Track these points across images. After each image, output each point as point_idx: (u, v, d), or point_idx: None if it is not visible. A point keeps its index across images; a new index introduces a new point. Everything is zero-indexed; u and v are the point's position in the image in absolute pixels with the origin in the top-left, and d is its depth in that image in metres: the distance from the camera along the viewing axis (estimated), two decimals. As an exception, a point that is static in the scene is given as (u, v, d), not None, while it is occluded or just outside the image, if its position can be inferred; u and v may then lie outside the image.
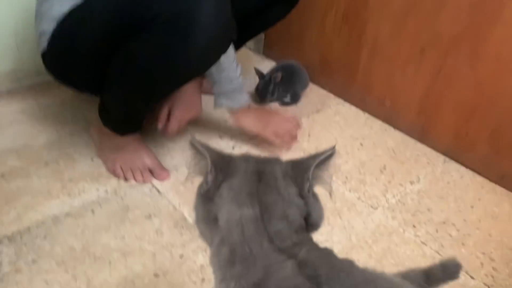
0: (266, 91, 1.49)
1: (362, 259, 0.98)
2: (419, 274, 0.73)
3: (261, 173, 0.55)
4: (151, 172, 1.13)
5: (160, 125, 1.22)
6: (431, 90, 1.34)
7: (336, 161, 0.56)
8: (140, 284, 0.86)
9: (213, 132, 1.35)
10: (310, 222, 0.55)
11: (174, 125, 1.21)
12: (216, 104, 1.21)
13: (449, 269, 0.75)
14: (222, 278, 0.53)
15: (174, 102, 1.23)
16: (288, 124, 1.30)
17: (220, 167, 0.54)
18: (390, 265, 0.98)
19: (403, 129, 1.45)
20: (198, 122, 1.37)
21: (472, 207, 1.18)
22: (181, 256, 0.93)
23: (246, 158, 0.58)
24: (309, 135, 1.39)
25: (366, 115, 1.54)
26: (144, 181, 1.11)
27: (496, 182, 1.27)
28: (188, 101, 1.25)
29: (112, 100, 1.04)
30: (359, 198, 1.16)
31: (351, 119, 1.51)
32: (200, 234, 0.59)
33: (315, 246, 0.55)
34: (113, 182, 1.11)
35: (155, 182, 1.12)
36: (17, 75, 1.41)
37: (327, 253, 0.54)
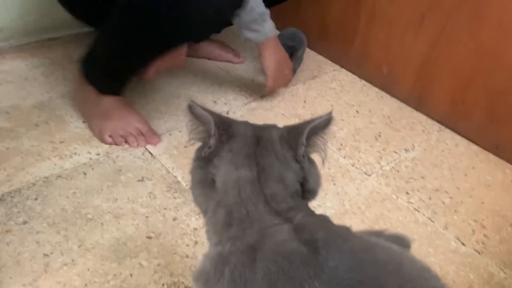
0: None
1: (355, 225, 0.99)
2: (368, 235, 0.75)
3: (259, 137, 0.55)
4: (143, 136, 1.11)
5: (145, 77, 1.19)
6: (429, 57, 1.32)
7: (332, 127, 0.55)
8: (132, 246, 0.86)
9: (207, 96, 1.33)
10: (307, 188, 0.55)
11: (151, 70, 1.16)
12: (242, 35, 1.18)
13: (401, 243, 0.76)
14: (217, 241, 0.52)
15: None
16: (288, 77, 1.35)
17: (223, 131, 0.53)
18: (382, 230, 0.98)
19: (399, 96, 1.44)
20: (191, 86, 1.35)
21: (465, 175, 1.18)
22: (174, 219, 0.93)
23: (245, 123, 0.58)
24: (305, 101, 1.38)
25: (363, 82, 1.52)
26: (138, 146, 1.09)
27: (490, 151, 1.27)
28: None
29: (105, 47, 1.02)
30: (353, 165, 1.16)
31: (348, 86, 1.49)
32: (194, 199, 0.58)
33: (311, 212, 0.54)
34: (105, 145, 1.09)
35: (148, 145, 1.11)
36: (5, 34, 1.36)
37: (324, 219, 0.54)
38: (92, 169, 1.02)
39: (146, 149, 1.10)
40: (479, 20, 1.17)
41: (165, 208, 0.95)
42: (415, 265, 0.49)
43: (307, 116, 1.30)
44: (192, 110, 0.54)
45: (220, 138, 0.53)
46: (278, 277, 0.45)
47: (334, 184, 1.09)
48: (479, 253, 0.97)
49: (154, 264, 0.84)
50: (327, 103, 1.39)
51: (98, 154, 1.06)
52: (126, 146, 1.09)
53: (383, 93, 1.47)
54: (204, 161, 0.54)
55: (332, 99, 1.41)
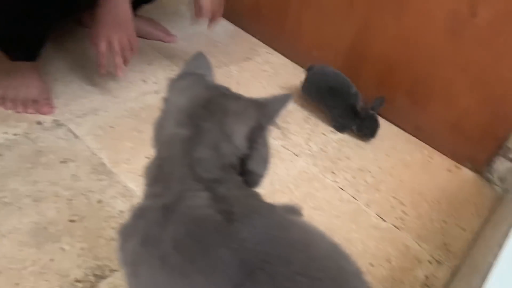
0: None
1: (285, 203, 1.01)
2: None
3: (211, 100, 0.54)
4: (35, 103, 1.05)
5: (102, 70, 1.11)
6: (357, 41, 1.36)
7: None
8: (53, 230, 0.82)
9: (136, 75, 1.29)
10: (248, 168, 0.55)
11: (101, 42, 1.08)
12: None
13: (291, 212, 0.81)
14: (146, 195, 0.54)
15: (109, 28, 1.07)
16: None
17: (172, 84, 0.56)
18: (309, 208, 1.02)
19: (329, 80, 1.48)
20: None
21: (387, 155, 1.25)
22: (99, 201, 0.90)
23: (213, 85, 0.58)
24: (238, 83, 1.37)
25: (295, 65, 1.54)
26: (23, 112, 1.04)
27: (410, 133, 1.34)
28: (122, 21, 1.09)
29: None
30: (283, 146, 1.18)
31: (280, 68, 1.51)
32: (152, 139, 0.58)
33: (239, 186, 0.54)
34: (23, 125, 1.02)
35: (72, 125, 1.05)
36: None
37: (248, 195, 0.54)
38: (9, 150, 0.96)
39: (69, 129, 1.04)
40: (403, 6, 1.22)
41: (90, 191, 0.91)
42: (327, 245, 0.51)
43: (239, 98, 1.30)
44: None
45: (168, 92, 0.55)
46: (185, 240, 0.46)
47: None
48: (398, 228, 1.03)
49: (77, 248, 0.80)
50: (260, 85, 1.40)
51: (16, 135, 0.99)
52: (47, 125, 1.03)
53: (313, 76, 1.50)
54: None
55: (264, 81, 1.42)
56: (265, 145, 0.57)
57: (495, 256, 0.71)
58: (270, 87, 1.39)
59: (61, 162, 0.96)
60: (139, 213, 0.51)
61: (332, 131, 1.28)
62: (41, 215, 0.84)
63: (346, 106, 1.25)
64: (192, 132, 0.52)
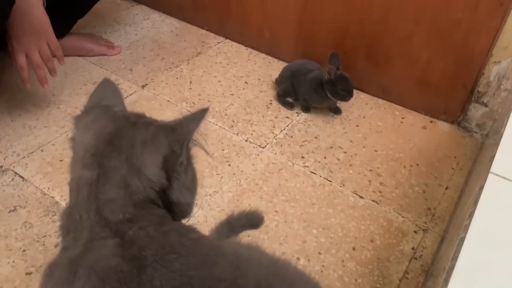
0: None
1: (254, 203, 0.96)
2: (222, 225, 0.75)
3: (116, 134, 0.48)
4: None
5: (27, 85, 1.04)
6: (304, 13, 1.29)
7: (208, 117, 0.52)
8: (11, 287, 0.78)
9: (81, 98, 1.22)
10: (173, 199, 0.49)
11: (18, 56, 1.01)
12: None
13: (253, 219, 0.76)
14: (60, 249, 0.49)
15: (26, 40, 1.00)
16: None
17: (76, 123, 0.51)
18: (281, 202, 0.96)
19: (286, 58, 1.41)
20: (63, 90, 1.23)
21: (357, 126, 1.19)
22: (56, 245, 0.85)
23: (121, 116, 0.51)
24: (190, 82, 1.31)
25: (249, 50, 1.47)
26: None
27: (378, 96, 1.28)
28: (36, 24, 1.00)
29: None
30: (247, 140, 1.12)
31: (234, 57, 1.43)
32: None
33: (157, 222, 0.48)
34: (-33, 178, 0.96)
35: (18, 168, 0.99)
36: None
37: (168, 231, 0.48)
38: (-46, 210, 0.90)
39: (16, 173, 0.98)
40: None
41: (44, 236, 0.86)
42: (260, 272, 0.46)
43: (195, 98, 1.24)
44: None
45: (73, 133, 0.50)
46: None
47: (229, 165, 1.05)
48: (377, 202, 0.98)
49: (37, 302, 0.76)
50: (215, 79, 1.33)
51: (-41, 191, 0.94)
52: (-8, 174, 0.97)
53: (270, 58, 1.43)
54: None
55: (219, 74, 1.35)
56: (188, 170, 0.51)
57: (472, 209, 0.66)
58: (225, 80, 1.32)
59: (10, 211, 0.90)
60: (49, 272, 0.46)
61: (297, 113, 1.22)
62: (-5, 275, 0.79)
63: (309, 81, 1.18)
64: (97, 172, 0.46)
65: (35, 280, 0.79)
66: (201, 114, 0.50)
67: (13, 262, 0.81)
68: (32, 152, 1.03)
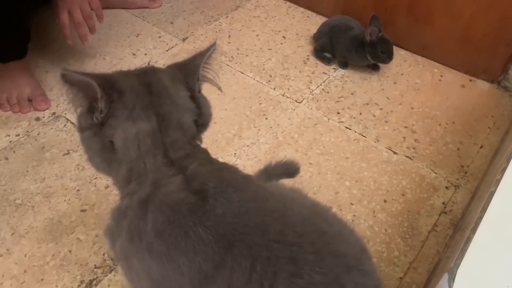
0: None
1: (289, 155, 1.00)
2: (261, 173, 0.77)
3: (149, 84, 0.52)
4: (31, 101, 1.07)
5: (68, 41, 1.10)
6: (346, -34, 1.27)
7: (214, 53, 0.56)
8: (67, 223, 0.86)
9: (125, 49, 1.26)
10: (201, 122, 0.55)
11: (83, 30, 1.08)
12: None
13: (289, 168, 0.79)
14: (121, 196, 0.54)
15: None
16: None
17: (110, 90, 0.50)
18: (315, 155, 1.00)
19: (325, 12, 1.40)
20: (107, 41, 1.28)
21: (395, 83, 1.19)
22: (107, 187, 0.92)
23: (127, 73, 0.55)
24: (229, 36, 1.33)
25: (288, 4, 1.46)
26: (21, 112, 1.06)
27: (417, 53, 1.27)
28: None
29: None
30: (283, 95, 1.15)
31: (272, 11, 1.43)
32: (96, 169, 0.57)
33: (207, 159, 0.54)
34: (24, 124, 1.04)
35: (69, 115, 1.06)
36: None
37: (220, 168, 0.54)
38: (14, 152, 0.98)
39: (68, 119, 1.05)
40: None
41: (95, 178, 0.93)
42: (305, 209, 0.51)
43: (233, 53, 1.27)
44: (68, 78, 0.49)
45: (109, 98, 0.50)
46: (164, 227, 0.47)
47: (266, 118, 1.08)
48: (410, 158, 1.00)
49: (92, 236, 0.84)
50: (253, 33, 1.34)
51: (18, 135, 1.02)
52: (46, 120, 1.05)
53: (308, 12, 1.43)
54: (97, 127, 0.51)
55: (257, 28, 1.36)
56: (203, 95, 0.57)
57: (505, 165, 0.67)
58: (263, 34, 1.34)
59: (64, 154, 0.98)
60: (120, 214, 0.52)
61: (334, 68, 1.23)
62: (53, 210, 0.88)
63: (350, 39, 1.19)
64: (156, 121, 0.51)
65: (89, 217, 0.87)
66: (208, 50, 0.55)
67: (69, 200, 0.89)
68: (81, 101, 1.10)
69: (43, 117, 1.06)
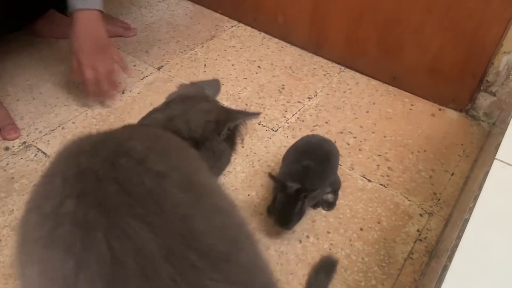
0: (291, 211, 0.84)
1: (266, 183, 1.00)
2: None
3: (187, 99, 0.70)
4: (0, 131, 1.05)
5: (91, 98, 1.14)
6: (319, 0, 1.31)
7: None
8: (36, 256, 0.82)
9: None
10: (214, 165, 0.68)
11: (108, 89, 1.12)
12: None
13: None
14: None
15: (92, 55, 1.06)
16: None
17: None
18: (292, 184, 1.00)
19: (298, 44, 1.43)
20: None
21: (367, 112, 1.22)
22: (79, 218, 0.89)
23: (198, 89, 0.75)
24: (205, 65, 1.34)
25: (262, 34, 1.49)
26: None
27: (388, 83, 1.31)
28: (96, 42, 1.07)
29: None
30: (260, 123, 1.16)
31: (247, 41, 1.46)
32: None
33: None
34: (-8, 153, 1.01)
35: (40, 145, 1.04)
36: None
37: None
38: (-19, 183, 0.95)
39: (39, 149, 1.03)
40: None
41: (67, 209, 0.90)
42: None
43: (208, 81, 1.27)
44: None
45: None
46: None
47: (242, 146, 1.08)
48: (384, 186, 1.02)
49: (62, 270, 0.80)
50: (228, 63, 1.36)
51: (-15, 165, 0.98)
52: (16, 149, 1.02)
53: (282, 43, 1.46)
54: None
55: (232, 58, 1.38)
56: (221, 144, 0.66)
57: (477, 193, 0.69)
58: (239, 63, 1.35)
59: (35, 185, 0.95)
60: None
61: (308, 98, 1.25)
62: (22, 244, 0.84)
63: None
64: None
65: (60, 250, 0.83)
66: (252, 113, 0.66)
67: (39, 232, 0.86)
68: (53, 130, 1.07)
69: (13, 146, 1.03)
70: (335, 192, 0.97)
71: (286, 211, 0.84)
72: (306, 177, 0.85)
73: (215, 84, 0.77)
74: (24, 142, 1.04)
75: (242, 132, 0.68)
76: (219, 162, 0.67)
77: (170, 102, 0.68)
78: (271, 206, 0.90)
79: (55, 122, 1.09)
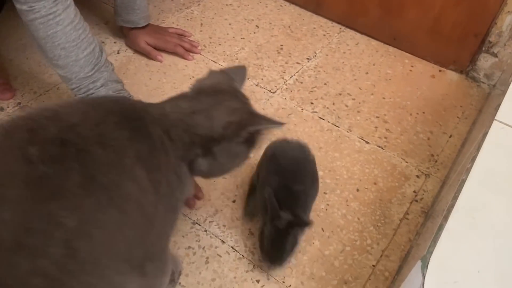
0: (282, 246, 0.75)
1: (263, 145, 0.99)
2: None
3: (215, 89, 0.67)
4: None
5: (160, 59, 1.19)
6: (319, -44, 1.26)
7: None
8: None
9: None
10: (211, 151, 0.63)
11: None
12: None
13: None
14: None
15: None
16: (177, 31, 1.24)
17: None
18: (290, 145, 1.00)
19: (298, 2, 1.39)
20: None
21: (367, 73, 1.20)
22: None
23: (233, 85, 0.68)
24: (201, 25, 1.30)
25: (260, -8, 1.45)
26: None
27: (389, 43, 1.28)
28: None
29: None
30: (257, 85, 1.14)
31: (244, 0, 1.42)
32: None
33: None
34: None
35: (35, 105, 1.02)
36: None
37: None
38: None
39: (34, 110, 1.01)
40: None
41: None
42: None
43: (206, 41, 1.24)
44: None
45: None
46: None
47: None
48: (382, 148, 1.02)
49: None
50: (225, 22, 1.32)
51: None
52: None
53: (281, 1, 1.42)
54: None
55: (230, 17, 1.34)
56: (237, 145, 0.63)
57: (475, 154, 0.69)
58: (236, 23, 1.32)
59: (31, 146, 0.94)
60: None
61: (307, 58, 1.23)
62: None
63: None
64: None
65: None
66: (275, 122, 0.64)
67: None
68: (48, 90, 1.06)
69: (7, 107, 1.02)
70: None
71: (276, 248, 0.74)
72: (297, 205, 0.75)
73: (242, 72, 0.74)
74: (19, 103, 1.03)
75: (260, 138, 0.65)
76: (230, 163, 0.66)
77: (201, 93, 0.65)
78: (259, 238, 0.77)
79: (49, 83, 1.08)
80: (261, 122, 0.63)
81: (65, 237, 0.44)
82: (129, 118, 0.55)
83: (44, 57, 0.80)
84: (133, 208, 0.51)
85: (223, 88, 0.66)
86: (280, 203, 0.73)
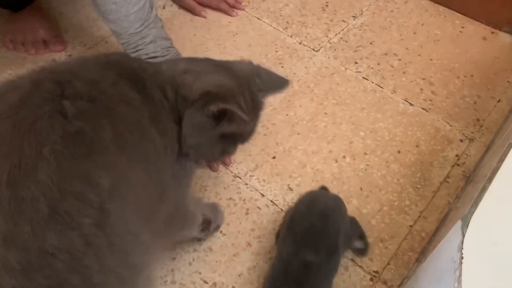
0: None
1: (304, 104, 1.00)
2: None
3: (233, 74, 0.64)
4: (46, 43, 1.06)
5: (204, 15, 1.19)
6: None
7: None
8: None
9: None
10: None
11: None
12: None
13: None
14: None
15: None
16: None
17: None
18: (331, 104, 1.00)
19: (345, -42, 1.34)
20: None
21: (414, 33, 1.16)
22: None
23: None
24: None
25: None
26: (36, 54, 1.05)
27: (439, 3, 1.23)
28: None
29: None
30: (301, 43, 1.13)
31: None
32: None
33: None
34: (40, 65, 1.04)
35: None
36: None
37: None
38: (32, 93, 0.99)
39: (84, 62, 1.05)
40: None
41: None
42: None
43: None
44: None
45: None
46: None
47: (282, 66, 1.07)
48: (426, 110, 1.00)
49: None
50: (270, -22, 1.30)
51: (35, 77, 1.02)
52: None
53: (328, -43, 1.37)
54: None
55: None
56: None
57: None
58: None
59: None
60: None
61: (353, 16, 1.20)
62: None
63: None
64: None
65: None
66: (245, 114, 0.57)
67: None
68: (97, 43, 1.09)
69: (59, 59, 1.06)
70: (360, 237, 0.77)
71: None
72: (307, 280, 0.63)
73: (280, 82, 0.67)
74: (70, 55, 1.06)
75: (234, 126, 0.58)
76: (193, 138, 0.57)
77: (209, 61, 0.62)
78: None
79: (98, 36, 1.11)
80: (234, 105, 0.56)
81: (99, 200, 0.41)
82: (132, 79, 0.53)
83: (97, 10, 0.83)
84: (152, 169, 0.50)
85: (235, 71, 0.62)
86: (286, 277, 0.64)
